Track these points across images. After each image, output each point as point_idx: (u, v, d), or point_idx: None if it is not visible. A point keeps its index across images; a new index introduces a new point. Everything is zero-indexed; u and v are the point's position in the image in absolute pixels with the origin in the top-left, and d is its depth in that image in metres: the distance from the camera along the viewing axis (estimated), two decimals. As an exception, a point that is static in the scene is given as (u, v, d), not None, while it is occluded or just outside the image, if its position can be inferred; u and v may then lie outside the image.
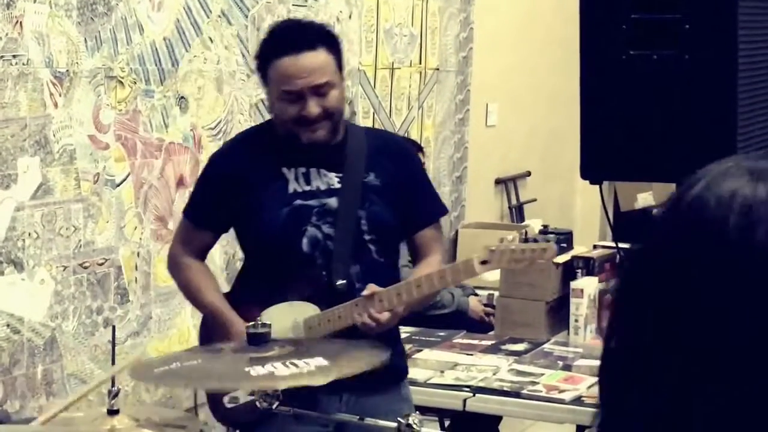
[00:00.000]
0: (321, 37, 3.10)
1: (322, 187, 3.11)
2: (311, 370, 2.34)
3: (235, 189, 3.12)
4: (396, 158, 3.23)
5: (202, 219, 3.24)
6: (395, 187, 3.17)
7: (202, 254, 3.29)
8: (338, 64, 3.11)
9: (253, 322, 2.51)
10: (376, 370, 2.92)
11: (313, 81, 3.03)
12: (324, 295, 3.10)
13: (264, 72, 3.11)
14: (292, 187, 3.10)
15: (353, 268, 3.13)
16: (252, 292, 3.17)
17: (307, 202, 3.10)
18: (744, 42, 2.97)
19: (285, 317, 3.08)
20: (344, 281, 3.10)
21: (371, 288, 3.09)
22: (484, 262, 3.12)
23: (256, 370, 2.35)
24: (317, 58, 3.05)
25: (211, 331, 3.18)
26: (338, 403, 3.08)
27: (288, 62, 3.03)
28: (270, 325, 2.51)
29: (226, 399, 2.83)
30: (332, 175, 3.13)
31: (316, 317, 3.12)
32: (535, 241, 3.24)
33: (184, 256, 3.25)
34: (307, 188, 3.11)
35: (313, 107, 3.03)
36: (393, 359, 3.20)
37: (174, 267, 3.31)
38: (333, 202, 3.10)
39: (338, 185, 3.12)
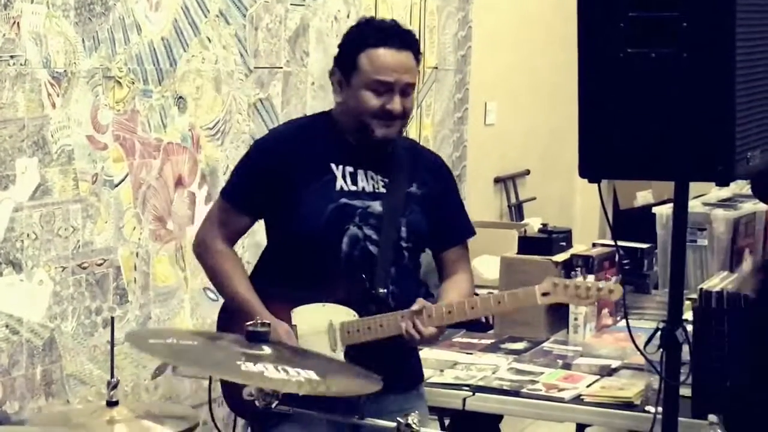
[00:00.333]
0: (416, 44, 3.18)
1: (368, 189, 3.16)
2: (299, 380, 2.35)
3: (281, 178, 3.14)
4: (435, 175, 3.31)
5: (244, 203, 3.24)
6: (433, 201, 3.25)
7: (234, 239, 3.29)
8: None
9: (253, 321, 2.51)
10: (398, 373, 2.98)
11: (406, 79, 3.12)
12: (363, 301, 3.12)
13: (353, 57, 3.12)
14: (339, 184, 3.14)
15: (390, 271, 3.17)
16: (280, 287, 3.17)
17: (352, 202, 3.13)
18: (742, 40, 2.97)
19: (319, 318, 3.09)
20: (385, 290, 3.14)
21: (421, 302, 3.14)
22: (545, 294, 3.16)
23: (247, 366, 2.36)
24: (411, 59, 3.14)
25: (235, 322, 3.12)
26: (360, 400, 3.10)
27: (390, 54, 3.10)
28: (269, 325, 2.51)
29: (245, 392, 2.85)
30: (379, 178, 3.18)
31: (356, 323, 3.13)
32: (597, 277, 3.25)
33: (217, 239, 3.25)
34: (353, 188, 3.15)
35: (398, 104, 3.10)
36: (412, 363, 3.35)
37: (204, 249, 3.30)
38: (377, 206, 3.15)
39: (383, 190, 3.17)
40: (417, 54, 3.18)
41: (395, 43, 3.11)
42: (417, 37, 3.26)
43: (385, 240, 3.14)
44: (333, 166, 3.16)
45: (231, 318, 3.22)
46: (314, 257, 3.13)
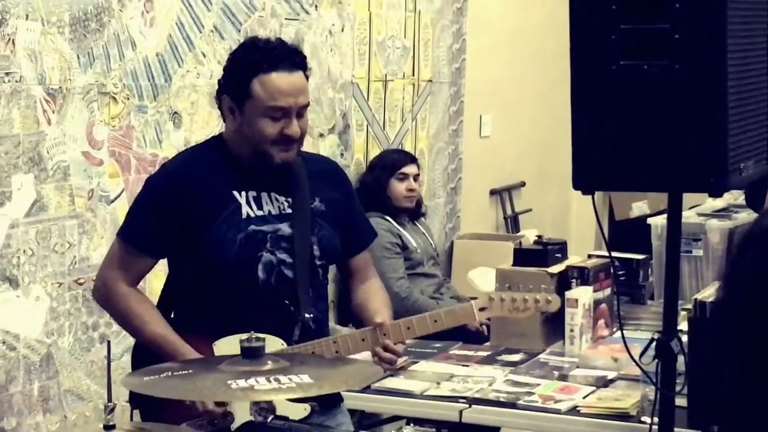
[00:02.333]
0: (303, 60, 3.08)
1: (274, 212, 3.07)
2: (291, 386, 2.36)
3: (183, 213, 3.01)
4: (334, 183, 3.24)
5: (145, 243, 3.07)
6: (336, 211, 3.18)
7: (137, 281, 3.12)
8: None
9: (247, 336, 2.51)
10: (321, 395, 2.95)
11: (301, 102, 3.03)
12: (287, 327, 3.05)
13: (244, 84, 3.01)
14: (245, 211, 3.04)
15: (309, 293, 3.11)
16: (196, 321, 3.07)
17: (261, 228, 3.04)
18: (733, 51, 2.98)
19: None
20: (311, 315, 3.07)
21: (381, 316, 3.13)
22: (483, 309, 3.19)
23: (237, 383, 2.36)
24: (303, 80, 3.05)
25: (155, 362, 2.86)
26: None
27: (281, 78, 3.00)
28: (264, 339, 2.51)
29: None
30: (283, 199, 3.09)
31: (287, 351, 3.03)
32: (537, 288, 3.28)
33: (121, 283, 3.07)
34: (260, 213, 3.06)
35: (296, 127, 3.01)
36: None
37: (108, 295, 3.11)
38: (285, 228, 3.06)
39: (289, 210, 3.09)
40: (306, 72, 3.08)
41: (286, 66, 3.00)
42: (304, 54, 3.13)
43: (300, 262, 3.06)
44: (236, 193, 3.05)
45: (150, 358, 2.99)
46: (230, 289, 3.02)
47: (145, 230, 3.08)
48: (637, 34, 3.02)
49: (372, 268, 3.35)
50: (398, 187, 5.38)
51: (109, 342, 3.21)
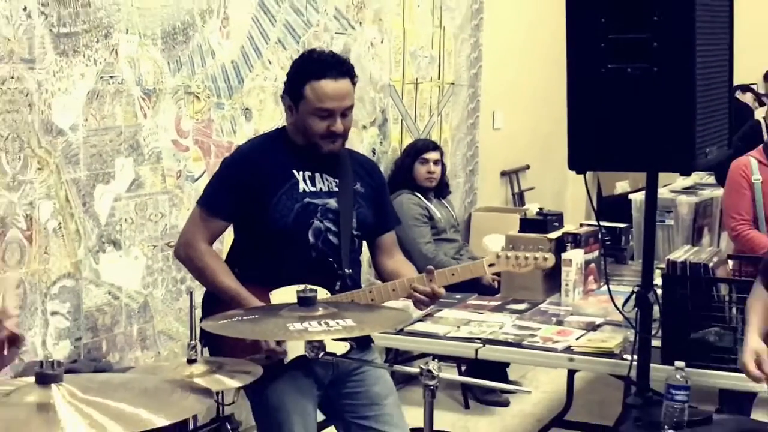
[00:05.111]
0: (350, 69, 3.06)
1: (324, 189, 3.07)
2: (338, 328, 2.34)
3: (252, 186, 3.02)
4: (371, 175, 3.22)
5: (222, 209, 3.07)
6: (372, 196, 3.18)
7: (213, 240, 3.11)
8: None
9: (302, 287, 2.49)
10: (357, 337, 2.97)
11: (344, 104, 3.01)
12: (331, 280, 3.05)
13: (298, 88, 3.02)
14: (302, 186, 3.04)
15: (349, 256, 3.10)
16: (256, 275, 3.04)
17: (313, 201, 3.04)
18: (700, 56, 2.93)
19: (293, 298, 2.83)
20: (350, 270, 3.07)
21: (430, 268, 3.09)
22: (491, 265, 3.17)
23: (294, 326, 2.34)
24: (348, 86, 3.03)
25: (220, 308, 2.87)
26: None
27: (329, 85, 2.98)
28: (316, 290, 2.49)
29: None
30: (332, 179, 3.09)
31: (330, 299, 3.00)
32: (540, 248, 3.22)
33: (201, 242, 3.06)
34: (313, 189, 3.05)
35: (340, 125, 3.01)
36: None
37: (189, 251, 3.08)
38: (333, 202, 3.06)
39: (336, 189, 3.08)
40: (353, 79, 3.06)
41: (333, 74, 2.99)
42: (351, 64, 3.10)
43: (344, 231, 3.06)
44: (295, 172, 3.05)
45: (216, 304, 3.00)
46: (286, 248, 3.02)
47: (221, 198, 3.08)
48: (621, 42, 2.98)
49: (397, 246, 3.31)
50: (420, 170, 5.33)
51: (191, 292, 3.20)
